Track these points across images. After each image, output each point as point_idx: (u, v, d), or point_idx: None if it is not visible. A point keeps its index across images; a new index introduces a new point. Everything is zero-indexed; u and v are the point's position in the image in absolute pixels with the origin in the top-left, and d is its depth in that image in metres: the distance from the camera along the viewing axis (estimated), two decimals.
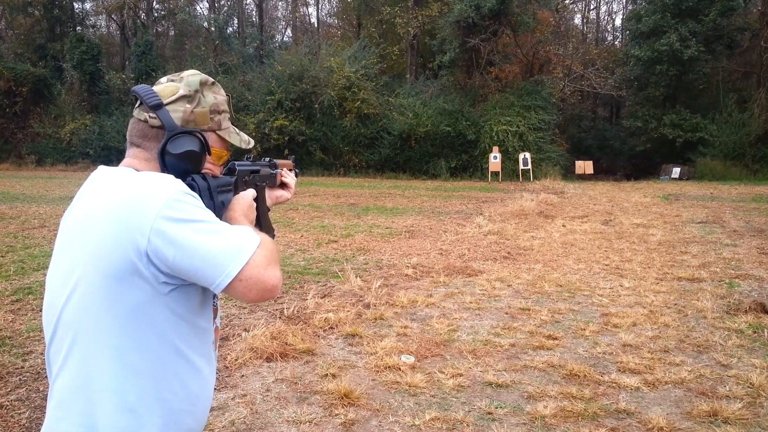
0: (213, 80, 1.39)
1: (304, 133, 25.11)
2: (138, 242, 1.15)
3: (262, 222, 1.58)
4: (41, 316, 1.28)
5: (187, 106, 1.31)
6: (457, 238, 9.31)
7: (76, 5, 38.22)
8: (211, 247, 1.16)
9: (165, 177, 1.23)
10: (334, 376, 3.80)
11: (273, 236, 1.65)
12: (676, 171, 23.83)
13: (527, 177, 22.35)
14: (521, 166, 22.65)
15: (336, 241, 8.96)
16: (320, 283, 6.33)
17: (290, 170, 1.75)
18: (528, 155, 22.75)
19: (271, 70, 26.88)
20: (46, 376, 3.85)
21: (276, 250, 1.27)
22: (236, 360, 4.03)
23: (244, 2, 38.96)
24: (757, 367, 3.94)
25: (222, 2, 40.27)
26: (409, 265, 7.20)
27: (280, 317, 5.03)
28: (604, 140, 29.83)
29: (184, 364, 1.25)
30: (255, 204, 1.47)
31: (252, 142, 1.47)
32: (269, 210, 1.64)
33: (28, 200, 14.59)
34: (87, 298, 1.18)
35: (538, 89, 25.20)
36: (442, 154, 24.69)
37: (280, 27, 44.32)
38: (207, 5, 40.70)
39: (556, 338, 4.58)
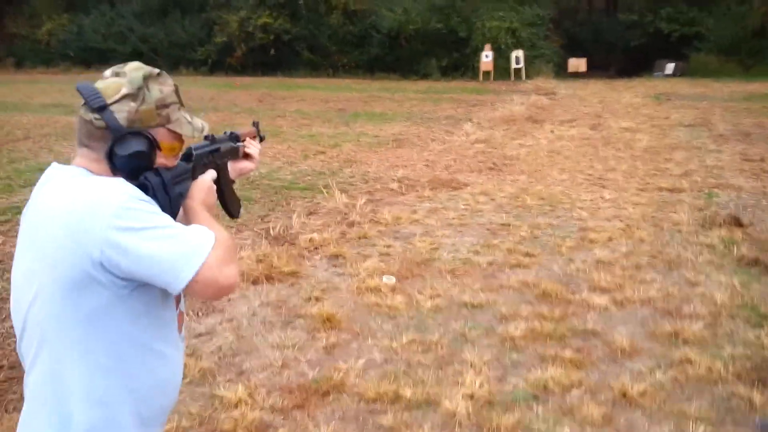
0: (158, 71, 1.33)
1: (289, 31, 24.23)
2: (91, 253, 1.16)
3: (227, 199, 1.58)
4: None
5: (132, 104, 1.26)
6: (444, 147, 9.32)
7: None
8: (165, 254, 1.18)
9: (114, 183, 1.22)
10: (317, 299, 3.96)
11: (239, 210, 1.67)
12: (669, 67, 23.38)
13: (519, 76, 21.92)
14: (513, 65, 22.13)
15: (323, 152, 8.95)
16: (306, 199, 6.41)
17: (254, 138, 1.74)
18: (521, 53, 22.16)
19: None
20: None
21: (233, 246, 1.29)
22: None
23: None
24: (722, 285, 4.11)
25: None
26: (394, 178, 7.26)
27: (266, 237, 5.14)
28: (598, 34, 28.91)
29: (151, 356, 1.30)
30: (214, 186, 1.46)
31: (206, 128, 1.42)
32: (234, 182, 1.64)
33: (9, 109, 14.25)
34: (49, 306, 1.22)
35: None
36: (433, 53, 23.98)
37: None
38: None
39: (533, 255, 4.74)
